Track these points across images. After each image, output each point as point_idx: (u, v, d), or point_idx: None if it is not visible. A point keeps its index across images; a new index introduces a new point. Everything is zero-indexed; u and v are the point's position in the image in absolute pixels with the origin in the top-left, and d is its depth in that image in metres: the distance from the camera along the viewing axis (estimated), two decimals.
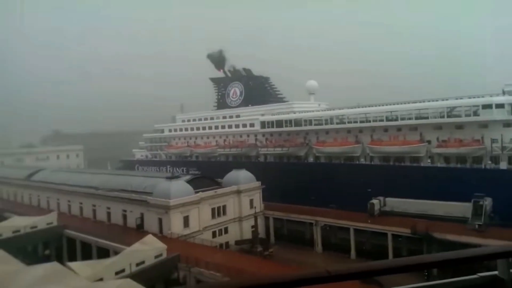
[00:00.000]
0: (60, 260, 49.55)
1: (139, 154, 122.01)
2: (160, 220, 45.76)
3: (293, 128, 77.68)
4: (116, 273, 30.70)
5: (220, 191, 52.49)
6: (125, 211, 51.06)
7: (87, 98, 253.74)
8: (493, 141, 52.78)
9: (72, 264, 30.97)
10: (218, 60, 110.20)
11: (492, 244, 39.13)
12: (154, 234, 41.12)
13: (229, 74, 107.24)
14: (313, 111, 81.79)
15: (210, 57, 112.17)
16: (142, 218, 48.27)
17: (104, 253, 41.79)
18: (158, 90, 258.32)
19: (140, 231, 46.26)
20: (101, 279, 29.30)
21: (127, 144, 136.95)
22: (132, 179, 58.63)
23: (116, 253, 37.63)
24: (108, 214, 53.93)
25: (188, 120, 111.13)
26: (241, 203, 54.41)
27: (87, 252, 45.10)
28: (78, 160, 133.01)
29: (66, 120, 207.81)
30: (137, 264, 32.57)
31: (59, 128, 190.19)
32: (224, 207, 52.42)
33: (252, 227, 52.51)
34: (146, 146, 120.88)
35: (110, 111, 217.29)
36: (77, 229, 48.29)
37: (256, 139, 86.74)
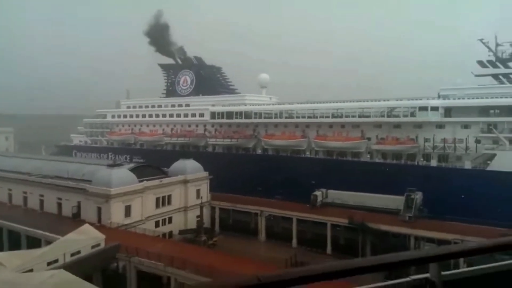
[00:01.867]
0: None
1: (77, 139, 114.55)
2: (99, 209, 43.46)
3: (243, 120, 77.83)
4: (48, 264, 28.70)
5: (166, 180, 51.18)
6: (60, 199, 47.77)
7: (23, 76, 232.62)
8: (426, 140, 57.29)
9: None
10: (158, 36, 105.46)
11: (418, 233, 42.77)
12: (92, 224, 39.04)
13: (179, 62, 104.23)
14: (264, 104, 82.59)
15: (150, 32, 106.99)
16: (79, 206, 45.52)
17: (35, 243, 38.87)
18: (103, 74, 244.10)
19: (76, 220, 43.58)
20: (31, 270, 27.23)
21: (65, 129, 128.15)
22: (69, 165, 54.92)
23: (49, 243, 35.14)
24: (41, 202, 50.08)
25: (134, 107, 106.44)
26: (188, 193, 53.53)
27: (15, 242, 41.60)
28: (8, 143, 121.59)
29: None
30: (72, 254, 30.69)
31: None
32: (169, 196, 51.19)
33: (198, 217, 51.93)
34: (85, 131, 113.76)
35: (47, 92, 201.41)
36: (4, 217, 44.29)
37: (205, 129, 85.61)
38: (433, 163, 56.56)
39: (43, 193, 49.87)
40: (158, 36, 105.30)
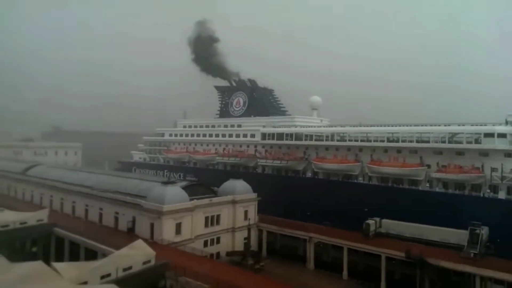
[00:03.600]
0: (47, 258, 48.73)
1: (137, 156, 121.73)
2: (152, 225, 45.05)
3: (293, 142, 77.48)
4: (102, 277, 29.92)
5: (215, 199, 51.88)
6: (117, 213, 50.36)
7: (92, 96, 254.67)
8: (493, 170, 52.47)
9: (57, 265, 30.21)
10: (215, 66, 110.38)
11: (484, 273, 38.51)
12: (145, 239, 40.34)
13: (234, 84, 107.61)
14: (314, 126, 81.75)
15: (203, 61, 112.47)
16: (133, 221, 47.55)
17: (92, 254, 41.02)
18: (163, 96, 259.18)
19: (130, 234, 45.51)
20: (85, 283, 28.59)
21: (128, 145, 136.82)
22: (127, 181, 58.01)
23: (104, 255, 36.86)
24: (100, 215, 53.21)
25: (190, 126, 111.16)
26: (236, 214, 53.69)
27: (75, 253, 44.26)
28: (76, 157, 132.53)
29: (68, 117, 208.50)
30: (124, 269, 31.77)
31: (60, 124, 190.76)
32: (218, 216, 51.71)
33: (245, 239, 51.76)
34: (145, 148, 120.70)
35: (113, 111, 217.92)
36: (67, 228, 47.45)
37: (255, 150, 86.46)
38: (502, 195, 51.54)
39: (102, 206, 52.98)
40: (215, 66, 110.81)
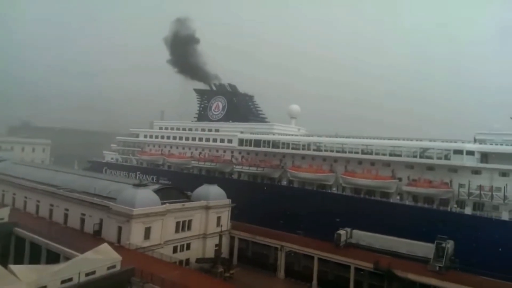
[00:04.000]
0: (5, 260, 46.10)
1: (109, 156, 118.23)
2: (119, 229, 43.50)
3: (270, 150, 77.51)
4: (62, 282, 28.47)
5: (188, 204, 50.84)
6: (83, 214, 48.41)
7: (65, 91, 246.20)
8: (461, 186, 54.28)
9: (15, 267, 28.58)
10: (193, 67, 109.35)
11: (449, 287, 39.40)
12: (111, 243, 38.87)
13: (213, 88, 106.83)
14: (292, 135, 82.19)
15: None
16: (100, 224, 45.82)
17: (54, 257, 39.03)
18: (141, 96, 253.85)
19: (96, 238, 43.84)
20: (44, 287, 27.14)
21: (100, 145, 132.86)
22: (96, 181, 55.99)
23: (67, 259, 35.24)
24: (66, 216, 50.99)
25: (166, 128, 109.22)
26: (208, 220, 52.79)
27: (36, 255, 42.01)
28: (44, 155, 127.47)
29: (39, 113, 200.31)
30: (87, 274, 30.35)
31: (29, 119, 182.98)
32: (189, 221, 50.61)
33: (216, 245, 50.89)
34: (118, 149, 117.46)
35: (87, 109, 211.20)
36: (28, 228, 45.08)
37: (232, 156, 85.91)
38: (468, 210, 53.30)
39: (69, 207, 50.82)
40: (192, 66, 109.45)
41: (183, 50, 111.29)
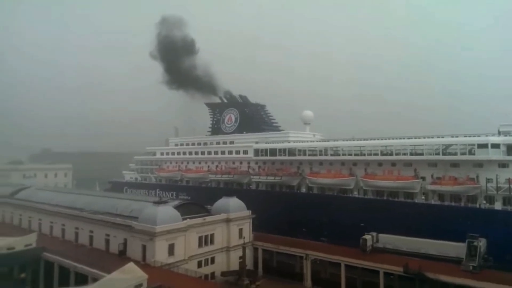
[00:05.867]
0: (35, 285, 47.07)
1: (128, 176, 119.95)
2: (144, 247, 43.69)
3: (287, 158, 77.01)
4: None
5: (208, 218, 50.76)
6: (108, 235, 48.89)
7: (80, 116, 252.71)
8: (488, 180, 52.41)
9: None
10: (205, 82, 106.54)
11: (485, 287, 37.74)
12: (137, 262, 39.11)
13: (224, 100, 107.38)
14: (307, 141, 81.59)
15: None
16: (125, 244, 46.13)
17: (82, 279, 39.60)
18: (154, 113, 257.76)
19: (122, 257, 44.11)
20: None
21: (118, 165, 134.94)
22: (118, 202, 56.64)
23: (95, 280, 35.53)
24: (91, 237, 51.61)
25: (181, 144, 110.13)
26: (230, 232, 52.55)
27: (65, 277, 42.65)
28: (66, 179, 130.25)
29: (57, 138, 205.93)
30: None
31: (49, 146, 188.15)
32: (212, 235, 50.50)
33: (240, 258, 50.48)
34: (136, 168, 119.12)
35: (103, 131, 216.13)
36: (56, 253, 45.89)
37: (248, 167, 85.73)
38: (498, 205, 51.36)
39: (93, 229, 51.45)
40: (206, 82, 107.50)
41: (181, 64, 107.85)
